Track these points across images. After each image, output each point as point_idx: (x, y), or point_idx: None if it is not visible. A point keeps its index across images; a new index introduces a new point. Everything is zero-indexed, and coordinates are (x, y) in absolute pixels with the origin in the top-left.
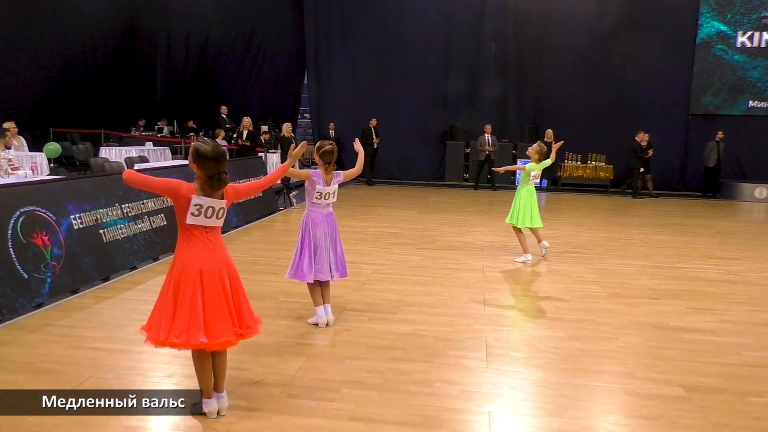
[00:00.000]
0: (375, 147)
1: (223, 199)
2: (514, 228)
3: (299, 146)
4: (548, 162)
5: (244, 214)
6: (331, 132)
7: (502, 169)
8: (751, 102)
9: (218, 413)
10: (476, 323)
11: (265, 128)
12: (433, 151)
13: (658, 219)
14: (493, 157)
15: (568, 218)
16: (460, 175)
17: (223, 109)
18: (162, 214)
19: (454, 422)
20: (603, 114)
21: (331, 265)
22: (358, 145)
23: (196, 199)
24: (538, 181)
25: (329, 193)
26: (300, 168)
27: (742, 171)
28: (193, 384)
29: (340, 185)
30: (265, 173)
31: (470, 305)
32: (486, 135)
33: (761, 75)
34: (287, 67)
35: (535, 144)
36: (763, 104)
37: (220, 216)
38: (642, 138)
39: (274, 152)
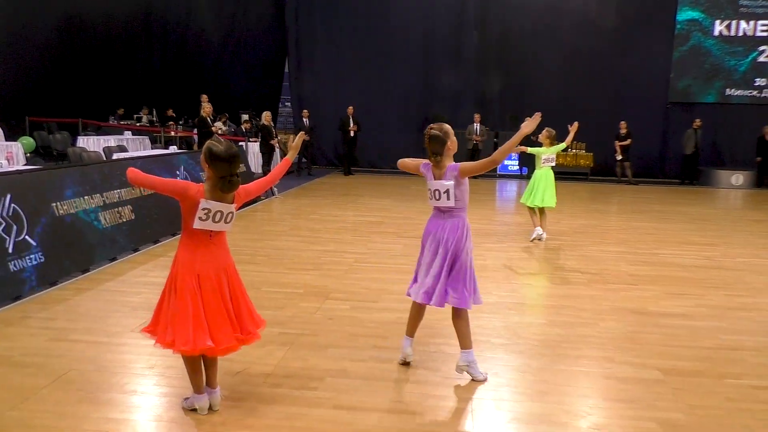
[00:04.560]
0: (353, 135)
1: (233, 203)
2: (529, 208)
3: (298, 136)
4: (563, 145)
5: None
6: (305, 120)
7: (519, 149)
8: (728, 90)
9: (211, 408)
10: None
11: (245, 117)
12: (415, 140)
13: (637, 206)
14: (480, 147)
15: None
16: None
17: (204, 98)
18: (142, 204)
19: (436, 409)
20: (584, 102)
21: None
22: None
23: (204, 203)
24: (552, 163)
25: (438, 190)
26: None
27: (720, 158)
28: (174, 374)
29: (322, 175)
30: (246, 163)
31: None
32: (475, 124)
33: (738, 63)
34: (268, 54)
35: (544, 130)
36: (739, 92)
37: (228, 220)
38: (621, 126)
39: (255, 141)
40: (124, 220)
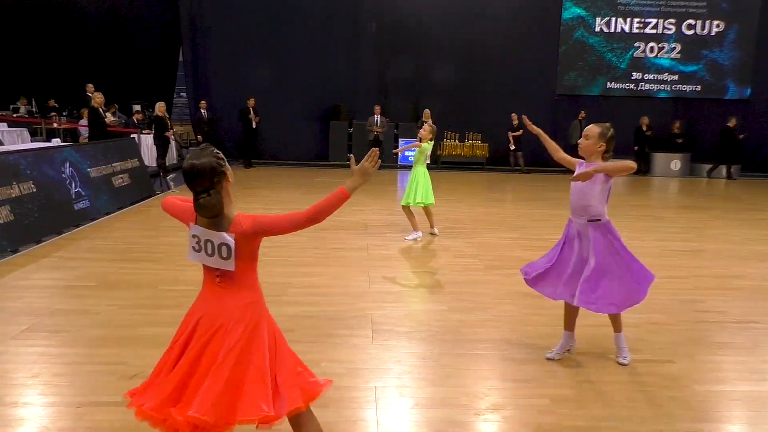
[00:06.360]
0: (254, 126)
1: (227, 231)
2: (404, 207)
3: (372, 155)
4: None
5: (116, 198)
6: (203, 111)
7: (399, 150)
8: (609, 83)
9: None
10: (361, 301)
11: (137, 107)
12: (317, 131)
13: (530, 194)
14: (382, 138)
15: (447, 195)
16: (344, 155)
17: (90, 87)
18: (22, 202)
19: (341, 399)
20: (479, 94)
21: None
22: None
23: (193, 228)
24: (428, 160)
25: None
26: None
27: None
28: (61, 382)
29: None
30: (139, 156)
31: (355, 284)
32: (376, 116)
33: (619, 59)
34: (160, 41)
35: (426, 125)
36: (618, 85)
37: (225, 256)
38: (513, 118)
39: (148, 133)
40: (1, 222)
